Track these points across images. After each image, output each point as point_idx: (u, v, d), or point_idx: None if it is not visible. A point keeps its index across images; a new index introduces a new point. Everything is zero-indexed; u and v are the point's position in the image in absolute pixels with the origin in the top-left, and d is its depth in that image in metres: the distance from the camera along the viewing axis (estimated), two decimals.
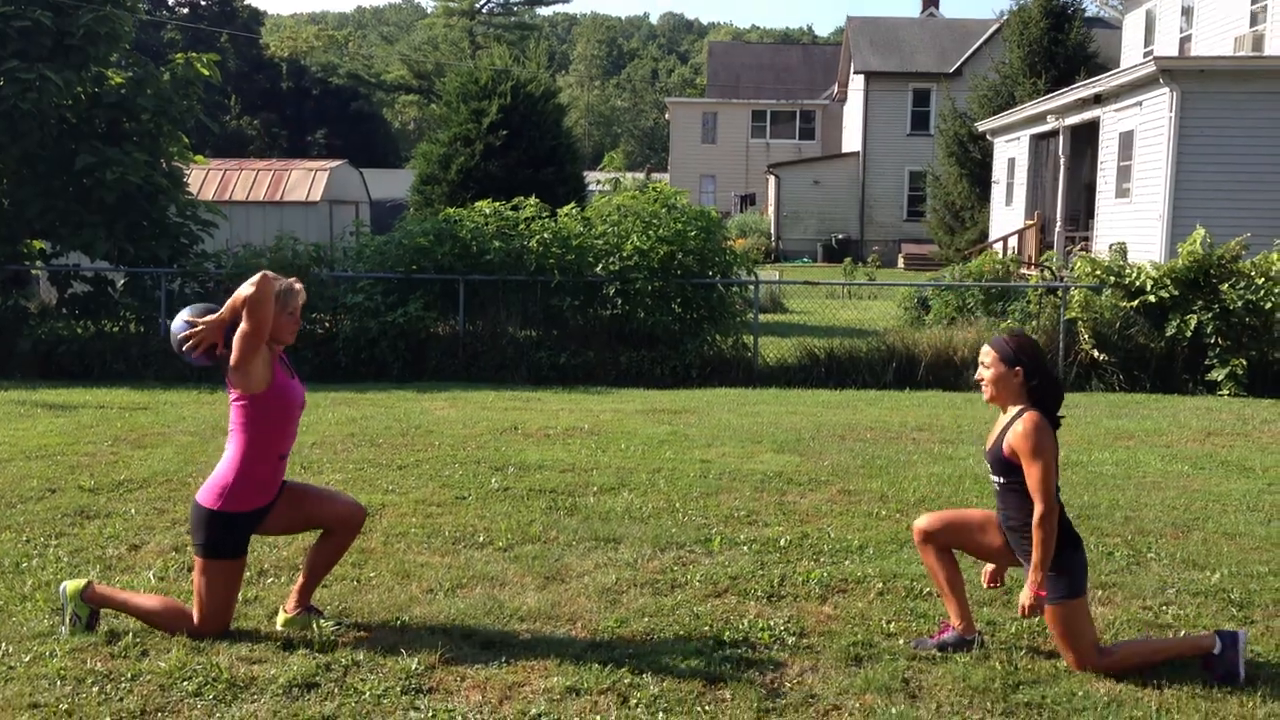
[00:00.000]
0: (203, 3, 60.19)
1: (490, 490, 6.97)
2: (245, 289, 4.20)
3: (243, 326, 4.23)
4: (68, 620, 4.44)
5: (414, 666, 4.16)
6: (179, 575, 5.21)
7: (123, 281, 14.27)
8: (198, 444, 8.35)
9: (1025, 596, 4.16)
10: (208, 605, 4.36)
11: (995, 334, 4.49)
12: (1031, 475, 4.14)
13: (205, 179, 22.45)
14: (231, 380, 4.34)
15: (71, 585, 4.48)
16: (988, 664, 4.27)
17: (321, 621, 4.51)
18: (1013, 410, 4.28)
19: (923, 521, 4.51)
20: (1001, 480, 4.30)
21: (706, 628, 4.62)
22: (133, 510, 6.37)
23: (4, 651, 4.26)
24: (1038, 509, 4.11)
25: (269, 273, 4.28)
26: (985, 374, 4.30)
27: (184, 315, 4.42)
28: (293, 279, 4.51)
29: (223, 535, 4.32)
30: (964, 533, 4.46)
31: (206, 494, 4.35)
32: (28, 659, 4.18)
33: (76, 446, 8.20)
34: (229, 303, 4.31)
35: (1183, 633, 4.62)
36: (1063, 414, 4.34)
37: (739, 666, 4.22)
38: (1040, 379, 4.26)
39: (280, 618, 4.58)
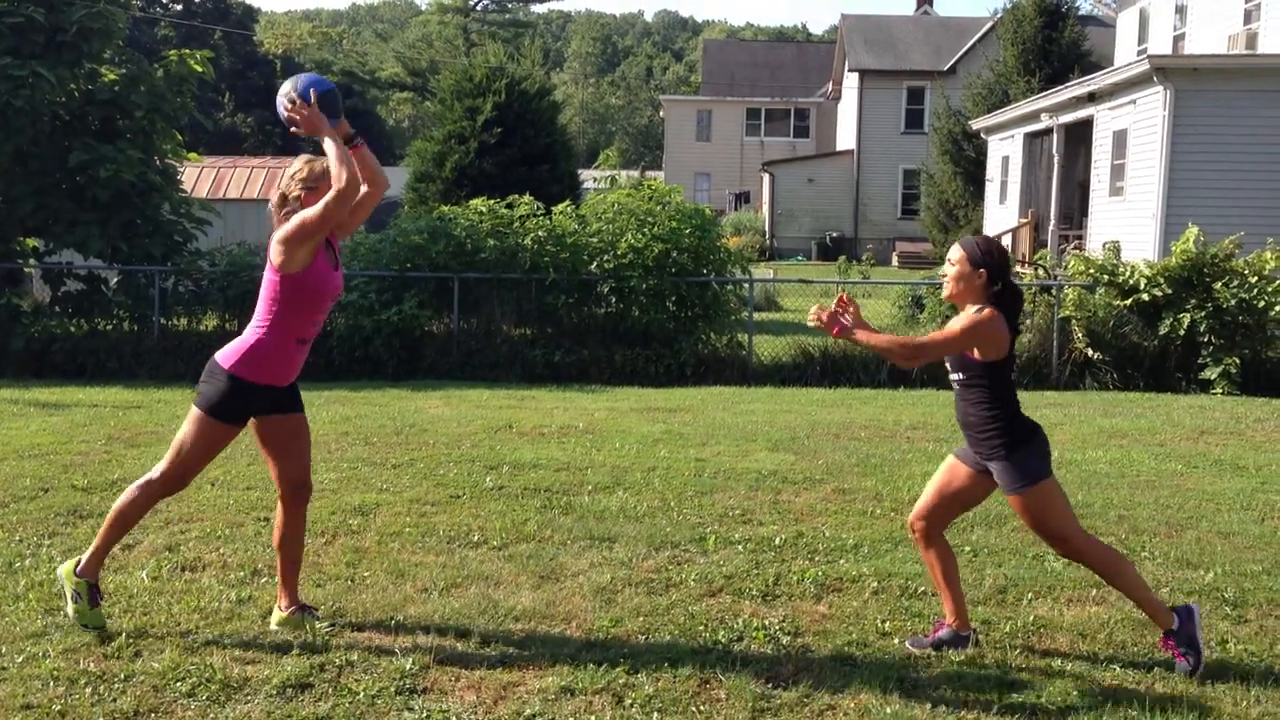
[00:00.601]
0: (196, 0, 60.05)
1: (485, 489, 6.96)
2: (341, 164, 4.12)
3: (312, 211, 4.18)
4: (70, 602, 4.42)
5: (408, 666, 4.16)
6: (172, 575, 5.20)
7: (116, 279, 14.24)
8: None
9: (835, 321, 4.21)
10: (183, 456, 4.34)
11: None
12: (945, 330, 4.21)
13: (199, 176, 22.40)
14: (271, 250, 4.28)
15: (65, 566, 4.50)
16: (983, 662, 4.28)
17: (315, 623, 4.51)
18: (971, 309, 4.28)
19: (916, 512, 4.53)
20: (960, 376, 4.34)
21: (701, 627, 4.62)
22: None
23: None
24: (920, 341, 4.21)
25: (360, 164, 4.24)
26: (950, 270, 4.31)
27: (299, 84, 4.31)
28: (366, 159, 4.44)
29: (226, 396, 4.29)
30: (948, 493, 4.48)
31: (224, 354, 4.35)
32: (20, 659, 4.17)
33: (70, 445, 8.18)
34: (328, 147, 4.21)
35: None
36: (1023, 323, 4.38)
37: (734, 666, 4.22)
38: (1003, 284, 4.28)
39: (275, 616, 4.57)
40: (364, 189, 4.39)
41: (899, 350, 4.25)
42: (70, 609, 4.42)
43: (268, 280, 4.33)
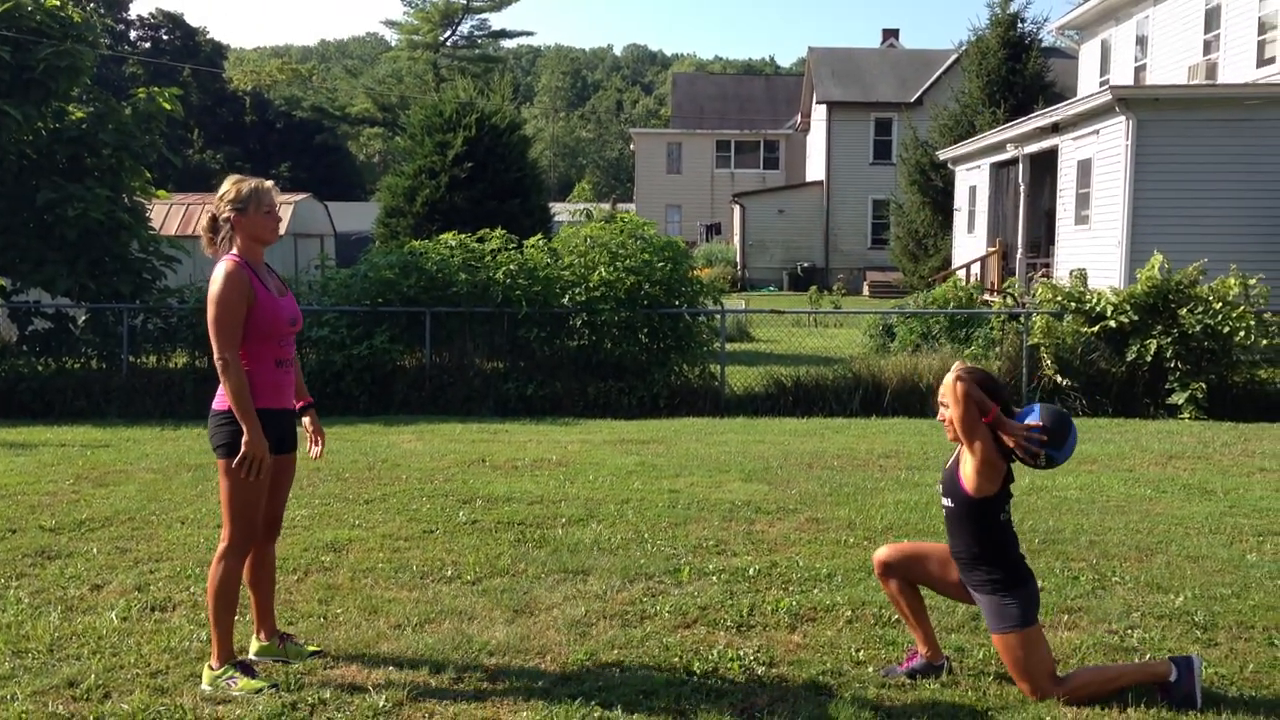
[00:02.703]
0: (165, 37, 60.06)
1: (458, 523, 6.93)
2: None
3: (211, 312, 4.26)
4: (239, 691, 4.22)
5: (382, 704, 4.13)
6: (141, 615, 5.15)
7: (84, 318, 14.14)
8: (160, 481, 8.27)
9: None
10: (233, 510, 4.30)
11: (960, 360, 4.52)
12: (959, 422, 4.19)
13: (168, 214, 22.31)
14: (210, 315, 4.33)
15: (205, 676, 4.31)
16: (956, 690, 4.29)
17: (291, 646, 4.51)
18: None
19: (882, 553, 4.54)
20: (949, 504, 4.34)
21: (676, 659, 4.61)
22: (95, 550, 6.29)
23: None
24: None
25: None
26: (946, 414, 4.31)
27: None
28: (261, 180, 4.47)
29: (239, 433, 4.27)
30: (921, 565, 4.48)
31: (218, 399, 4.35)
32: None
33: (37, 485, 8.09)
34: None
35: (1144, 658, 4.66)
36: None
37: (709, 697, 4.22)
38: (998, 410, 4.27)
39: (253, 645, 4.55)
40: (275, 197, 4.51)
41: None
42: (237, 693, 4.21)
43: None
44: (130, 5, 60.68)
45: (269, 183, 4.48)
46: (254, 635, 4.60)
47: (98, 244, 13.79)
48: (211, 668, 4.31)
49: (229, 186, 4.40)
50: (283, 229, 23.51)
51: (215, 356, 4.27)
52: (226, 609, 4.33)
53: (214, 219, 4.38)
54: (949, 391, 4.22)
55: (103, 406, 13.04)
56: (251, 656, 4.50)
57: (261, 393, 4.35)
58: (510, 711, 4.09)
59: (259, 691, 4.19)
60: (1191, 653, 4.45)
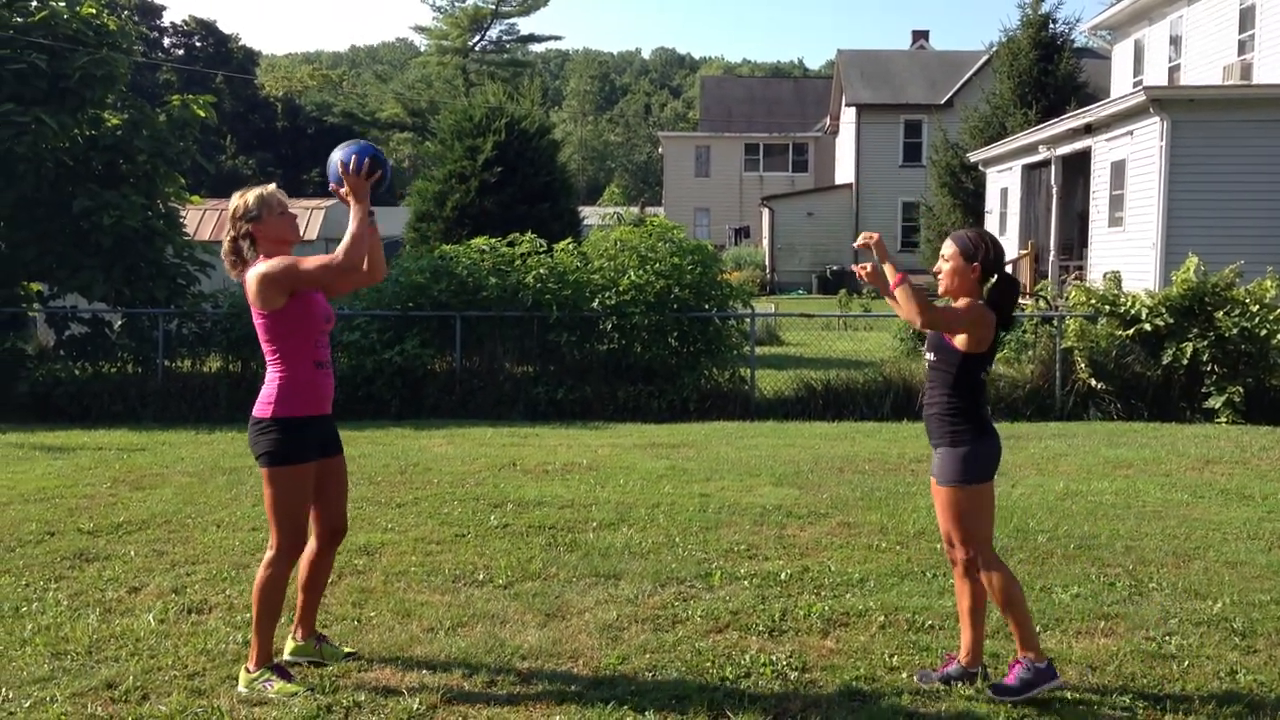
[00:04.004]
0: (198, 44, 60.67)
1: (489, 527, 6.95)
2: (355, 244, 4.18)
3: (305, 267, 4.23)
4: (274, 694, 4.24)
5: (416, 706, 4.14)
6: (178, 617, 5.19)
7: (120, 323, 14.28)
8: (196, 484, 8.34)
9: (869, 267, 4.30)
10: (280, 519, 4.31)
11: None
12: (944, 308, 4.20)
13: (202, 219, 22.54)
14: (250, 287, 4.30)
15: (242, 679, 4.33)
16: (992, 697, 4.26)
17: (327, 647, 4.54)
18: (964, 302, 4.29)
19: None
20: (933, 358, 4.34)
21: (708, 663, 4.61)
22: (132, 552, 6.36)
23: (4, 697, 4.23)
24: (917, 308, 4.15)
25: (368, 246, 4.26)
26: (944, 266, 4.32)
27: (357, 153, 4.31)
28: (264, 184, 4.48)
29: (280, 441, 4.27)
30: None
31: (259, 407, 4.34)
32: (28, 704, 4.16)
33: (75, 489, 8.18)
34: (353, 223, 4.24)
35: (1183, 666, 4.61)
36: (1019, 315, 4.39)
37: (741, 702, 4.21)
38: (998, 276, 4.29)
39: (288, 645, 4.58)
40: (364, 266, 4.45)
41: (912, 299, 4.17)
42: (273, 696, 4.24)
43: (258, 325, 4.37)
44: (164, 13, 61.33)
45: (271, 185, 4.51)
46: (290, 635, 4.63)
47: (133, 250, 13.92)
48: (248, 670, 4.34)
49: (236, 202, 4.40)
50: (315, 233, 23.72)
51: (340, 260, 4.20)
52: (270, 615, 4.36)
53: (234, 240, 4.37)
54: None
55: (138, 410, 13.16)
56: (286, 657, 4.53)
57: (301, 398, 4.34)
58: (543, 715, 4.10)
59: (294, 695, 4.21)
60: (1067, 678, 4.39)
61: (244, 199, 4.39)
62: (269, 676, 4.30)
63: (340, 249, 4.21)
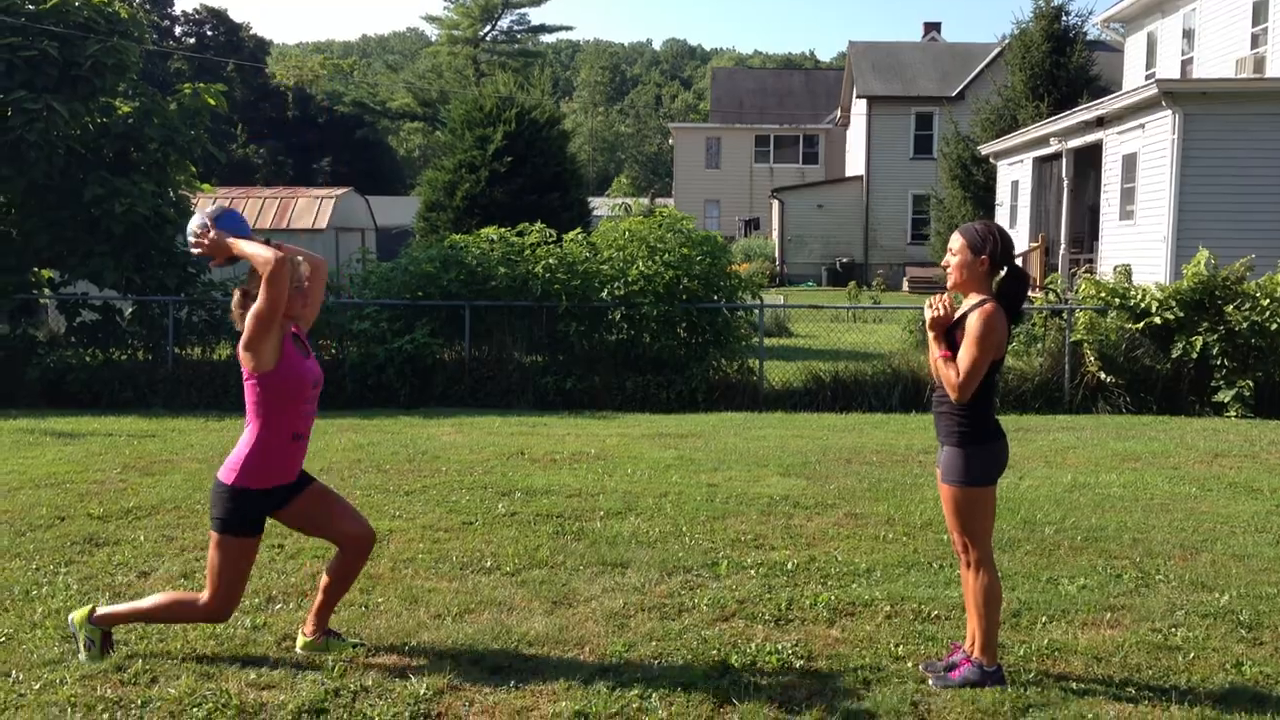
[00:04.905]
0: (209, 33, 60.69)
1: (497, 515, 6.98)
2: (262, 253, 4.23)
3: (257, 305, 4.22)
4: (83, 647, 4.48)
5: (423, 692, 4.17)
6: None
7: (130, 310, 14.33)
8: (205, 471, 8.38)
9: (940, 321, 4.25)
10: (219, 582, 4.35)
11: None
12: (964, 357, 4.18)
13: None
14: (241, 357, 4.33)
15: (78, 614, 4.53)
16: (996, 687, 4.26)
17: (341, 644, 4.56)
18: (974, 298, 4.28)
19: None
20: (945, 354, 4.31)
21: (714, 652, 4.62)
22: (141, 537, 6.39)
23: (15, 679, 4.27)
24: (956, 385, 4.16)
25: (282, 252, 4.27)
26: (952, 260, 4.31)
27: (197, 220, 4.44)
28: (293, 252, 4.50)
29: (237, 511, 4.30)
30: None
31: (225, 470, 4.36)
32: (38, 686, 4.20)
33: (85, 474, 8.22)
34: (245, 250, 4.32)
35: (1188, 658, 4.61)
36: (1027, 309, 4.38)
37: (747, 690, 4.22)
38: (1006, 271, 4.27)
39: (299, 641, 4.61)
40: (304, 269, 4.49)
41: (948, 387, 4.22)
42: (84, 657, 4.46)
43: (247, 388, 4.37)
44: (175, 1, 61.40)
45: (300, 257, 4.51)
46: (300, 630, 4.65)
47: (143, 238, 13.96)
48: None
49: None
50: (325, 222, 23.74)
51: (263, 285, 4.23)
52: (149, 616, 4.51)
53: (245, 293, 4.41)
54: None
55: (148, 397, 13.21)
56: (299, 651, 4.56)
57: (268, 470, 4.34)
58: (549, 701, 4.12)
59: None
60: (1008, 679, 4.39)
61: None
62: (94, 638, 4.47)
63: (259, 297, 4.23)
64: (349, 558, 4.57)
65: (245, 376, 4.36)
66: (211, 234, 4.39)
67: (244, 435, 4.39)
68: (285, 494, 4.44)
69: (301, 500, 4.48)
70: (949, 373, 4.20)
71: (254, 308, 4.23)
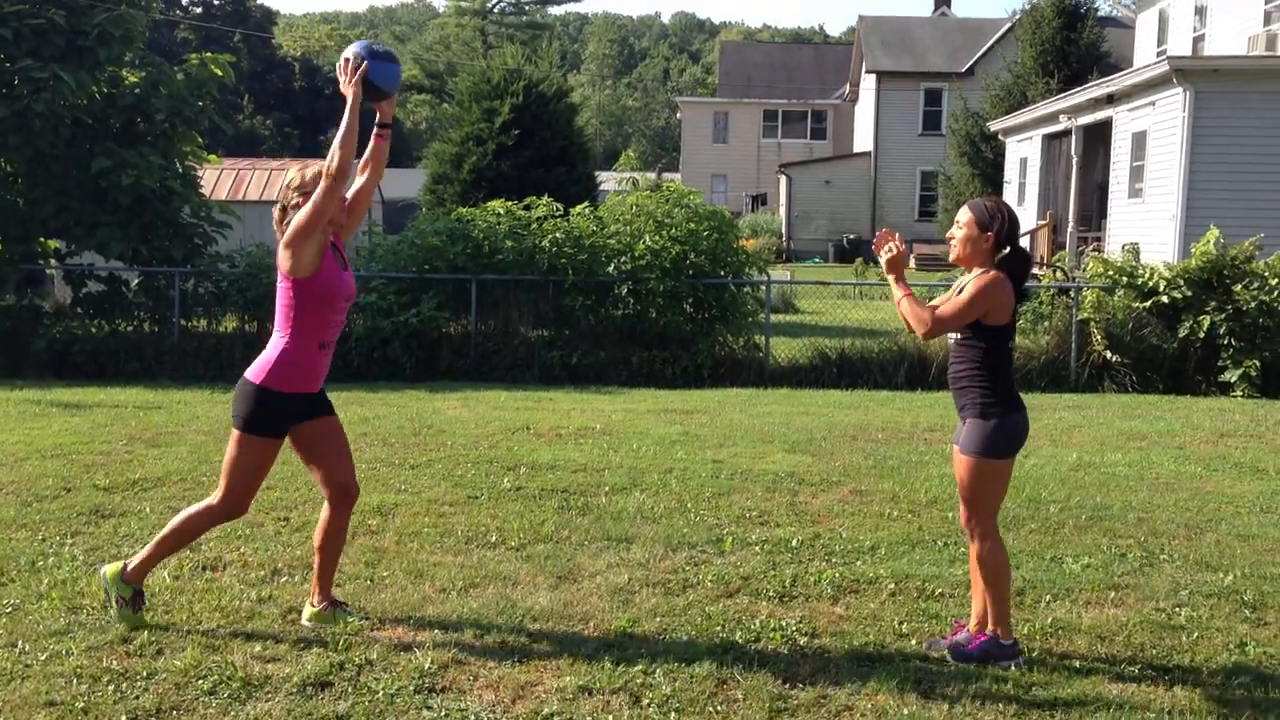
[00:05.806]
0: (216, 2, 60.45)
1: (502, 490, 6.99)
2: (342, 149, 4.25)
3: (306, 209, 4.25)
4: (114, 605, 4.52)
5: (427, 665, 4.18)
6: (193, 574, 5.24)
7: (137, 281, 14.33)
8: (211, 443, 8.39)
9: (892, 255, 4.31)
10: (232, 479, 4.40)
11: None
12: (950, 304, 4.22)
13: (219, 179, 22.52)
14: (279, 257, 4.34)
15: (110, 569, 4.56)
16: (1013, 660, 4.27)
17: (348, 617, 4.57)
18: (978, 272, 4.28)
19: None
20: (958, 335, 4.32)
21: (718, 628, 4.63)
22: (147, 509, 6.41)
23: (21, 649, 4.29)
24: (925, 321, 4.21)
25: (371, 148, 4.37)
26: (957, 234, 4.31)
27: (357, 48, 4.44)
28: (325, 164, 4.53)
29: (261, 410, 4.34)
30: None
31: (253, 370, 4.40)
32: (44, 657, 4.21)
33: (91, 445, 8.24)
34: (346, 119, 4.33)
35: (1193, 638, 4.61)
36: (1031, 286, 4.39)
37: (751, 666, 4.23)
38: (1011, 248, 4.27)
39: (306, 611, 4.62)
40: (360, 179, 4.54)
41: (915, 322, 4.26)
42: (114, 611, 4.53)
43: (281, 289, 4.39)
44: None
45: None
46: (309, 600, 4.67)
47: (150, 209, 13.93)
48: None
49: (295, 174, 4.46)
50: None
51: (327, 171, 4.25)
52: (174, 543, 4.58)
53: (284, 208, 4.43)
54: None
55: (154, 369, 13.23)
56: (305, 623, 4.57)
57: (295, 375, 4.38)
58: (553, 675, 4.13)
59: (129, 625, 4.49)
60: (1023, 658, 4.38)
61: (302, 173, 4.45)
62: (126, 596, 4.50)
63: (317, 189, 4.25)
64: (333, 513, 4.58)
65: (281, 279, 4.37)
66: (359, 74, 4.35)
67: (272, 340, 4.44)
68: (306, 406, 4.46)
69: (319, 425, 4.51)
70: (915, 309, 4.24)
71: (301, 211, 4.27)
